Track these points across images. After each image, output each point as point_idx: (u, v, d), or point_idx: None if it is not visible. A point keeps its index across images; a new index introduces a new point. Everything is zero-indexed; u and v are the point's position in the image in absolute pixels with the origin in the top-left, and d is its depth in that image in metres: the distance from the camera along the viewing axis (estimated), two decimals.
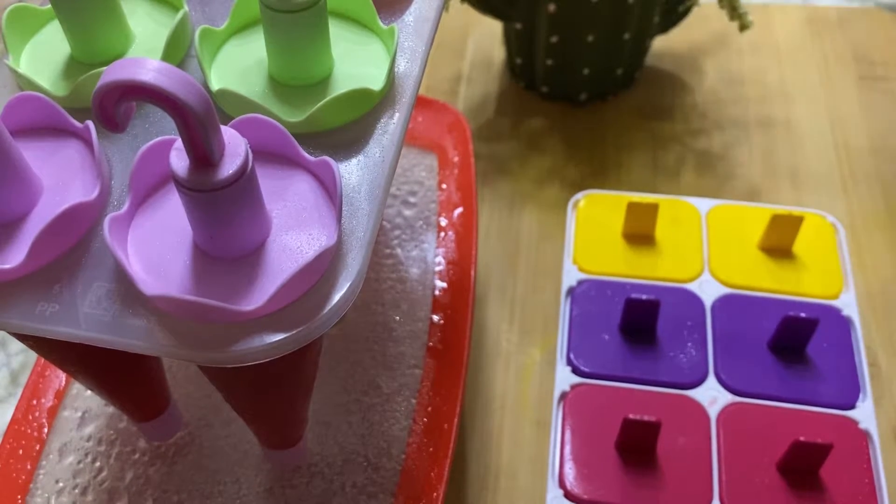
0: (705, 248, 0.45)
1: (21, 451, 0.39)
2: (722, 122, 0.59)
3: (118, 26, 0.32)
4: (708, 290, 0.43)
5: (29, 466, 0.39)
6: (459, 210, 0.48)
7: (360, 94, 0.30)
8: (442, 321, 0.43)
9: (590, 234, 0.46)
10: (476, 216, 0.47)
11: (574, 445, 0.38)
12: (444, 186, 0.49)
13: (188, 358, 0.25)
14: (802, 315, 0.39)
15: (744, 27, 0.53)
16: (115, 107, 0.22)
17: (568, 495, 0.37)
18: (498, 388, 0.46)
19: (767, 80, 0.61)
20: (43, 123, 0.30)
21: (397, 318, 0.44)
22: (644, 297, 0.40)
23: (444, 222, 0.48)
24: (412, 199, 0.49)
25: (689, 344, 0.41)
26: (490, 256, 0.52)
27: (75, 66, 0.32)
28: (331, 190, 0.28)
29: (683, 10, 0.56)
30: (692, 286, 0.43)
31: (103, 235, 0.25)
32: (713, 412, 0.39)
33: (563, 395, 0.40)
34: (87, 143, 0.29)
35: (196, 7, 0.34)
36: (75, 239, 0.27)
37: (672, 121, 0.59)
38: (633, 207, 0.44)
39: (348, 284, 0.26)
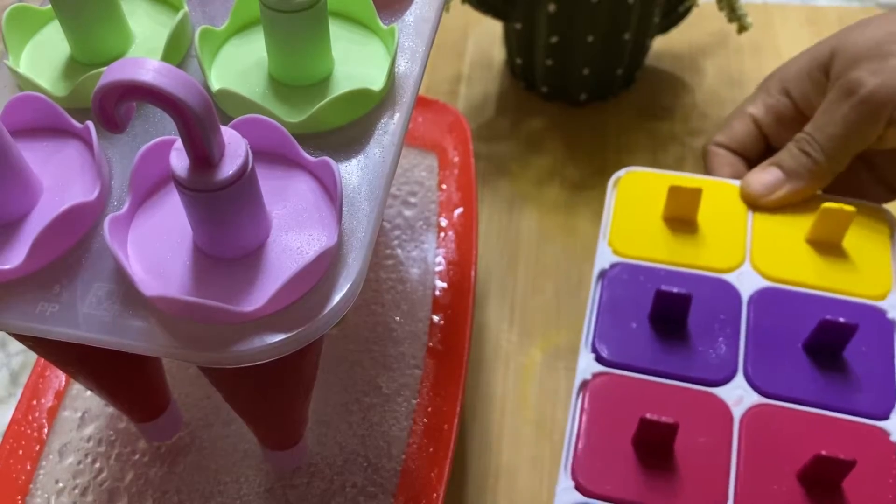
0: (749, 237, 0.42)
1: (21, 452, 0.39)
2: (722, 122, 0.59)
3: (118, 26, 0.32)
4: (746, 283, 0.41)
5: (29, 467, 0.39)
6: (459, 210, 0.48)
7: (361, 95, 0.30)
8: (442, 321, 0.43)
9: (628, 215, 0.43)
10: (476, 216, 0.47)
11: (590, 437, 0.36)
12: (444, 187, 0.49)
13: (188, 359, 0.25)
14: (841, 320, 0.37)
15: (742, 28, 0.53)
16: (115, 107, 0.22)
17: (579, 488, 0.35)
18: (498, 388, 0.46)
19: None
20: (43, 124, 0.29)
21: (397, 318, 0.44)
22: (675, 290, 0.38)
23: (444, 222, 0.48)
24: (412, 200, 0.49)
25: (721, 339, 0.39)
26: (490, 256, 0.52)
27: (75, 67, 0.32)
28: (331, 190, 0.28)
29: (683, 11, 0.56)
30: (730, 277, 0.41)
31: (103, 236, 0.25)
32: (738, 412, 0.37)
33: (584, 384, 0.38)
34: (87, 143, 0.29)
35: (196, 7, 0.34)
36: (75, 239, 0.27)
37: (672, 121, 0.59)
38: (674, 192, 0.42)
39: (349, 285, 0.26)
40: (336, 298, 0.26)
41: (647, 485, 0.35)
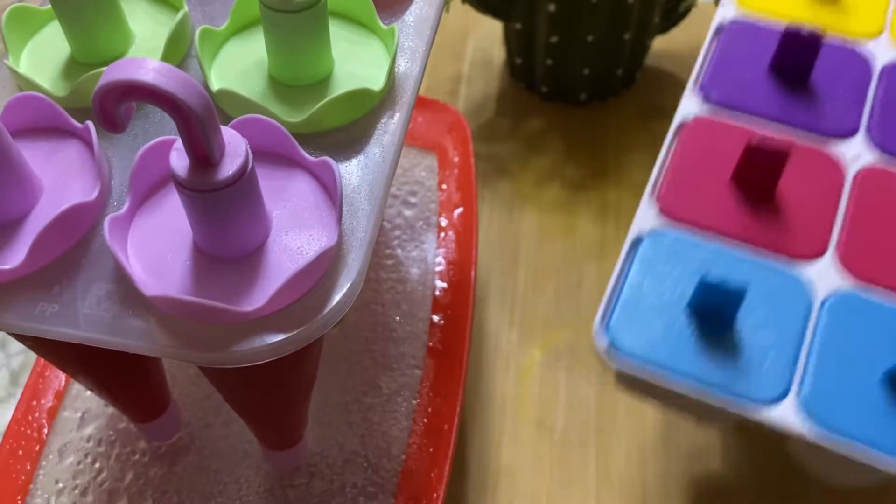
0: (893, 5, 0.39)
1: (21, 452, 0.39)
2: None
3: (118, 26, 0.32)
4: (881, 53, 0.38)
5: (28, 467, 0.39)
6: (459, 210, 0.48)
7: (361, 95, 0.30)
8: (442, 321, 0.43)
9: None
10: (476, 216, 0.47)
11: (682, 171, 0.33)
12: (444, 187, 0.49)
13: (188, 359, 0.25)
14: None
15: None
16: (116, 107, 0.22)
17: (665, 211, 0.32)
18: (498, 388, 0.46)
19: None
20: (43, 124, 0.29)
21: (397, 318, 0.44)
22: (805, 31, 0.35)
23: (444, 222, 0.48)
24: (412, 200, 0.49)
25: (847, 96, 0.36)
26: (490, 256, 0.52)
27: (75, 67, 0.32)
28: (331, 190, 0.28)
29: (683, 11, 0.56)
30: (864, 45, 0.38)
31: (103, 236, 0.25)
32: (852, 169, 0.34)
33: (681, 127, 0.35)
34: (87, 143, 0.29)
35: (196, 7, 0.34)
36: (75, 239, 0.27)
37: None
38: None
39: (349, 284, 0.26)
40: (336, 298, 0.26)
41: (741, 217, 0.32)
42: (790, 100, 0.36)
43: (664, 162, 0.34)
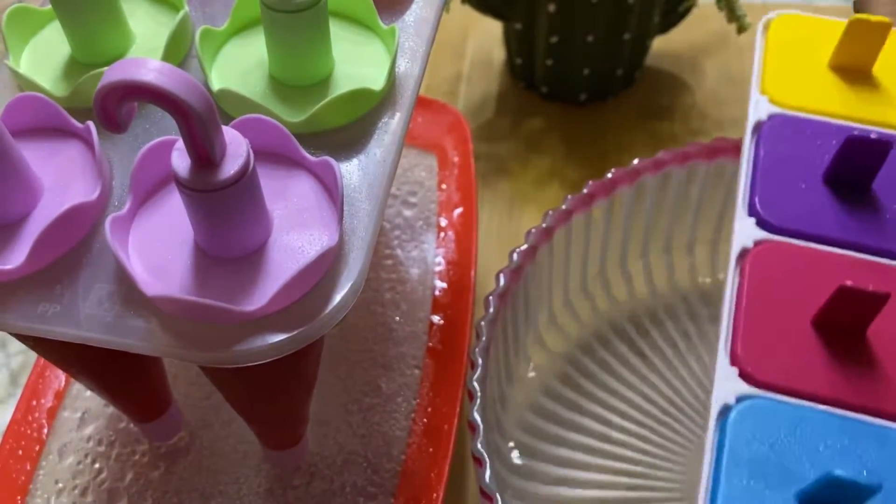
0: None
1: (20, 452, 0.39)
2: (722, 122, 0.59)
3: (119, 27, 0.32)
4: None
5: (28, 467, 0.39)
6: (459, 210, 0.48)
7: (361, 94, 0.30)
8: (442, 322, 0.43)
9: (785, 62, 0.36)
10: (476, 216, 0.47)
11: (755, 316, 0.29)
12: (444, 187, 0.49)
13: (189, 358, 0.25)
14: None
15: (742, 29, 0.53)
16: (117, 107, 0.22)
17: (745, 375, 0.27)
18: None
19: None
20: (43, 124, 0.29)
21: (397, 318, 0.44)
22: (873, 135, 0.31)
23: (444, 222, 0.48)
24: (412, 200, 0.49)
25: None
26: (490, 256, 0.52)
27: (76, 67, 0.32)
28: (332, 190, 0.28)
29: (683, 11, 0.56)
30: None
31: (104, 236, 0.25)
32: None
33: (744, 253, 0.31)
34: (88, 143, 0.29)
35: (196, 7, 0.34)
36: (76, 240, 0.27)
37: (672, 121, 0.59)
38: (856, 27, 0.34)
39: (350, 284, 0.26)
40: (337, 298, 0.26)
41: (834, 375, 0.28)
42: (858, 216, 0.32)
43: (732, 305, 0.29)
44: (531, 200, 0.55)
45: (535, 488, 0.40)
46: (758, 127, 0.34)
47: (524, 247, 0.40)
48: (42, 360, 0.42)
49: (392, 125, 0.30)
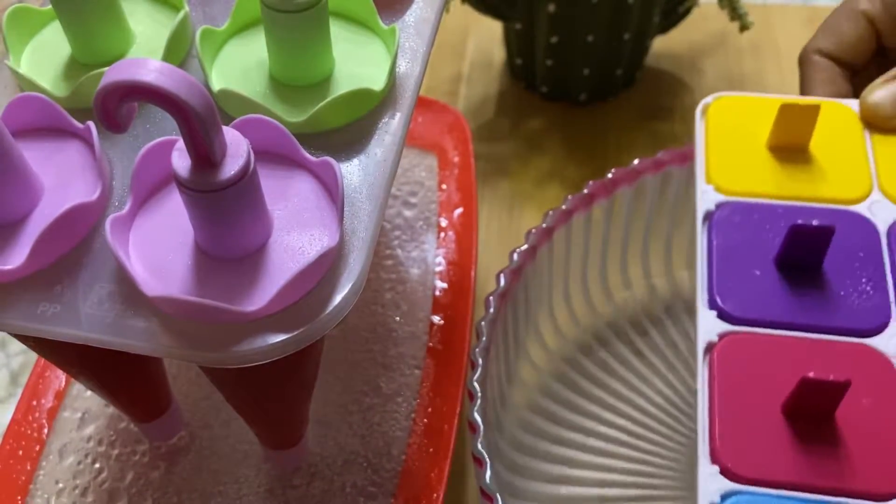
0: (872, 161, 0.36)
1: (21, 452, 0.39)
2: None
3: (119, 27, 0.32)
4: (880, 213, 0.34)
5: (29, 467, 0.39)
6: (459, 210, 0.48)
7: (362, 95, 0.30)
8: (442, 322, 0.43)
9: (726, 147, 0.37)
10: (476, 216, 0.47)
11: (729, 411, 0.30)
12: (444, 187, 0.49)
13: (190, 359, 0.25)
14: None
15: (744, 28, 0.53)
16: (117, 107, 0.22)
17: (726, 473, 0.29)
18: None
19: (767, 81, 0.61)
20: (44, 124, 0.29)
21: (397, 318, 0.44)
22: (815, 222, 0.32)
23: (444, 223, 0.48)
24: (412, 200, 0.49)
25: (864, 280, 0.33)
26: (490, 256, 0.52)
27: (76, 67, 0.32)
28: (332, 190, 0.28)
29: (683, 11, 0.56)
30: (860, 209, 0.35)
31: (104, 236, 0.25)
32: None
33: (710, 347, 0.32)
34: (88, 143, 0.29)
35: (197, 7, 0.34)
36: (76, 240, 0.27)
37: (672, 121, 0.59)
38: (787, 111, 0.35)
39: (350, 285, 0.26)
40: (337, 298, 0.26)
41: (809, 462, 0.29)
42: (812, 297, 0.33)
43: (706, 401, 0.30)
44: (531, 200, 0.55)
45: (535, 488, 0.40)
46: (708, 216, 0.35)
47: (524, 247, 0.40)
48: (42, 361, 0.42)
49: (392, 125, 0.30)
